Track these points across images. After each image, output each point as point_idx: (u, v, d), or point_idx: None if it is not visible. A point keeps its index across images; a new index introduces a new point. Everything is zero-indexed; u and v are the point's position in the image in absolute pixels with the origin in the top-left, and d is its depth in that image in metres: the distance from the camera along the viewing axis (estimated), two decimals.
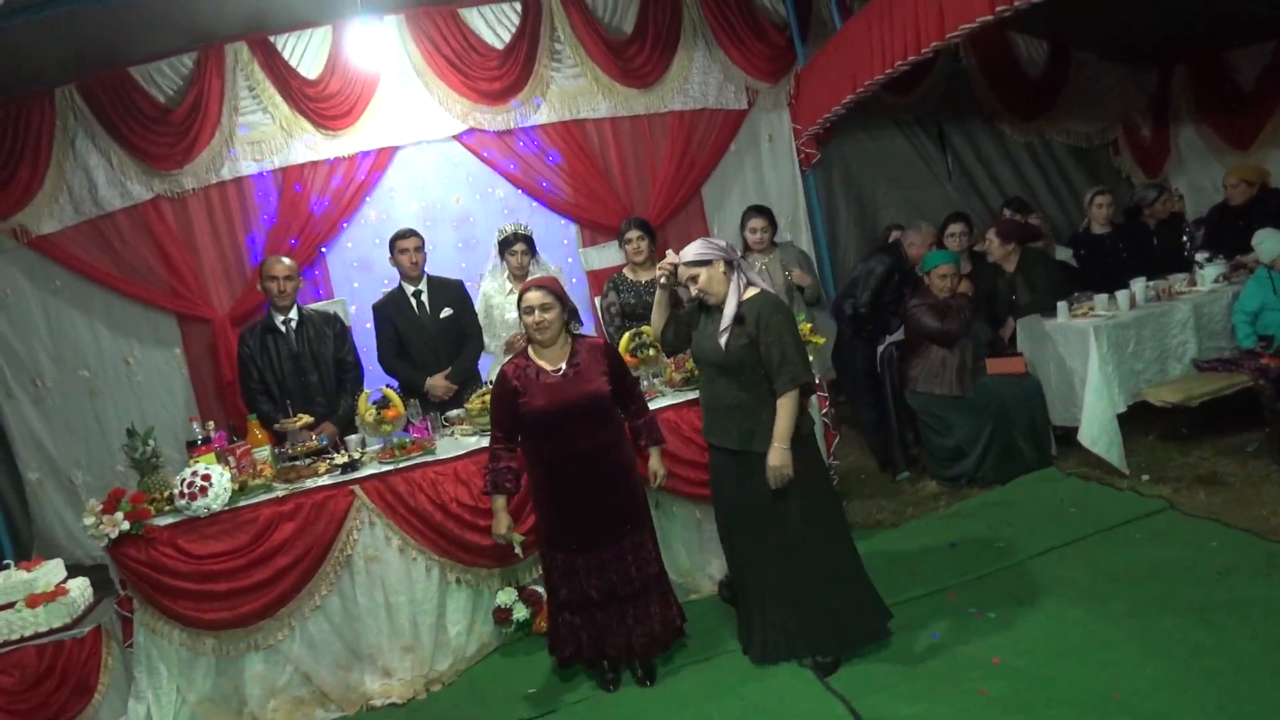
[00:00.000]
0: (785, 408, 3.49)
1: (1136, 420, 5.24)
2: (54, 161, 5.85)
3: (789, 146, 7.09)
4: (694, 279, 3.59)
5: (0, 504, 6.09)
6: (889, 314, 5.62)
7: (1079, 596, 3.80)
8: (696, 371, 4.13)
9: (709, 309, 3.68)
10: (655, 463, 3.84)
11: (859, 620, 3.68)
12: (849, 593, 3.69)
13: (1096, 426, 4.91)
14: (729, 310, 3.55)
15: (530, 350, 3.70)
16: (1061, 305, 5.25)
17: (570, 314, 3.72)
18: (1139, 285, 5.32)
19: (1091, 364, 4.93)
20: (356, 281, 6.35)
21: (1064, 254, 6.57)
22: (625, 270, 5.43)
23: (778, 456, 3.49)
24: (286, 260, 4.95)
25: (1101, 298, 5.24)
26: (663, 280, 3.70)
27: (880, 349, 5.68)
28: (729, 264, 3.60)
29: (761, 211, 5.78)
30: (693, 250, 3.61)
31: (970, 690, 3.29)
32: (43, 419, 6.07)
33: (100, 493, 3.85)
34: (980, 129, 7.58)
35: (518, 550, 3.82)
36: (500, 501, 3.72)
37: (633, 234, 5.31)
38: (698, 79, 6.82)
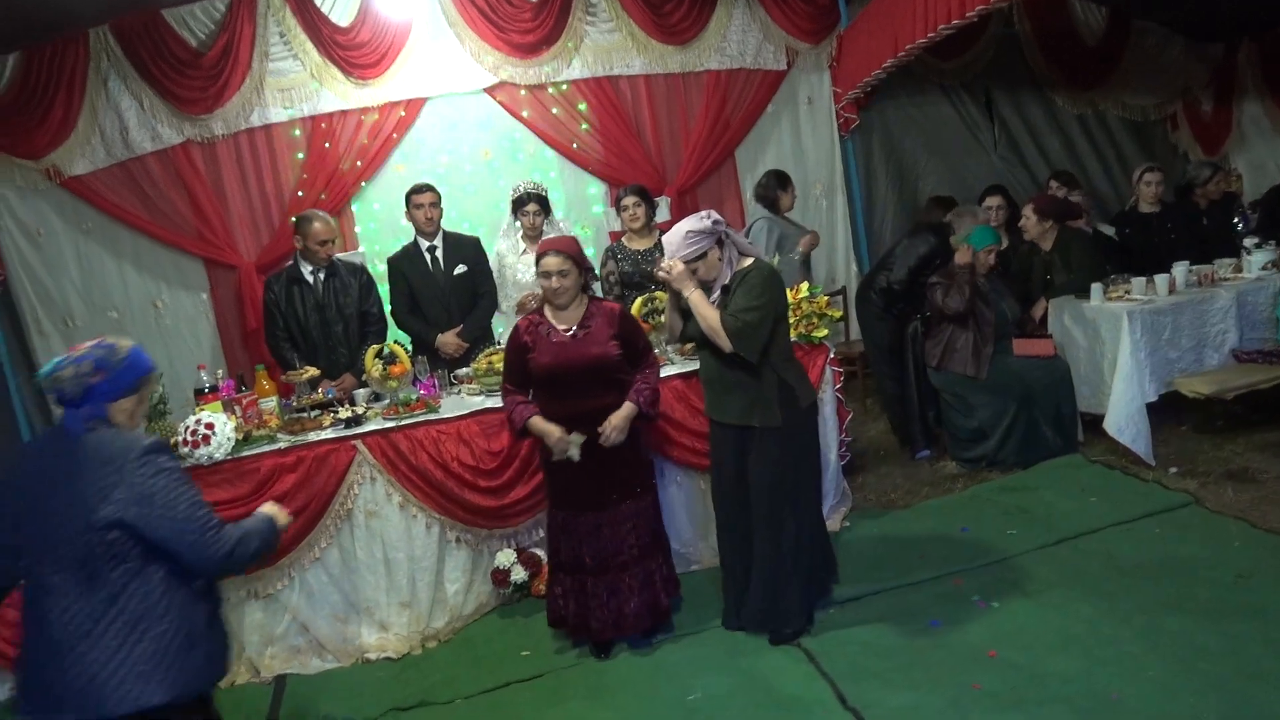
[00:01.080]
0: (710, 312, 3.44)
1: (1171, 410, 5.05)
2: (87, 103, 5.82)
3: (828, 110, 6.90)
4: (695, 272, 3.48)
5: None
6: (924, 295, 5.46)
7: (1088, 590, 3.68)
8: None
9: (703, 287, 3.54)
10: (618, 415, 3.57)
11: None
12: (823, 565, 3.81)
13: (1124, 415, 4.73)
14: (720, 284, 3.51)
15: (546, 309, 3.69)
16: (1096, 287, 5.03)
17: (588, 274, 3.69)
18: (1180, 269, 5.08)
19: (1123, 350, 4.74)
20: (382, 234, 6.30)
21: (1106, 232, 6.32)
22: (624, 239, 5.29)
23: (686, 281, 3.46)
24: (331, 220, 4.93)
25: (1139, 281, 5.02)
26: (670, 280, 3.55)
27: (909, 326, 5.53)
28: (719, 243, 3.51)
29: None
30: (683, 245, 3.44)
31: (963, 682, 3.21)
32: None
33: None
34: (1031, 98, 7.26)
35: (574, 452, 3.55)
36: (538, 420, 3.58)
37: (629, 200, 5.15)
38: (736, 37, 6.62)
